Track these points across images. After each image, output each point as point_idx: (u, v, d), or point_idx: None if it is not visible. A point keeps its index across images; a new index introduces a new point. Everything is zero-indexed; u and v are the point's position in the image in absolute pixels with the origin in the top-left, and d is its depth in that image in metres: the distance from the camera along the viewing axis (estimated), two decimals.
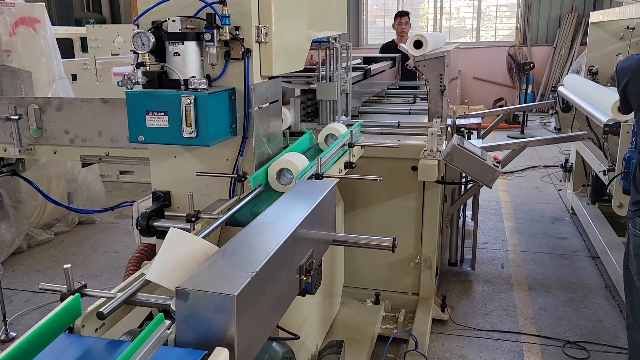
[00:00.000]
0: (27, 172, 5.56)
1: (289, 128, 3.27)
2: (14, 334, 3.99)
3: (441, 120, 4.01)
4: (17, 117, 3.16)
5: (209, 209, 2.10)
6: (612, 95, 4.17)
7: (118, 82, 2.12)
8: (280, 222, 1.69)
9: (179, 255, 1.41)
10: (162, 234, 2.43)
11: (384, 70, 5.65)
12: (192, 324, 1.21)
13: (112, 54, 8.90)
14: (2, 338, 3.93)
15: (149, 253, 2.93)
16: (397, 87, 6.40)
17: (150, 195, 2.56)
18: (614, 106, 3.94)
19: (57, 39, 6.25)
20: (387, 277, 4.14)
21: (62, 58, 6.37)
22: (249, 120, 2.36)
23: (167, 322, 1.18)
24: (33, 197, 5.78)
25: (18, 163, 3.88)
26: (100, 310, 1.27)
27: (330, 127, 2.99)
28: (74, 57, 9.58)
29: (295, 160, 2.27)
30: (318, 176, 2.25)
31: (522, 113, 11.35)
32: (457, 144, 3.35)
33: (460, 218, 4.97)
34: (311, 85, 3.47)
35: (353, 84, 4.05)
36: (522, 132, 11.18)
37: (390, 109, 5.08)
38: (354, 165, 2.84)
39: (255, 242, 1.50)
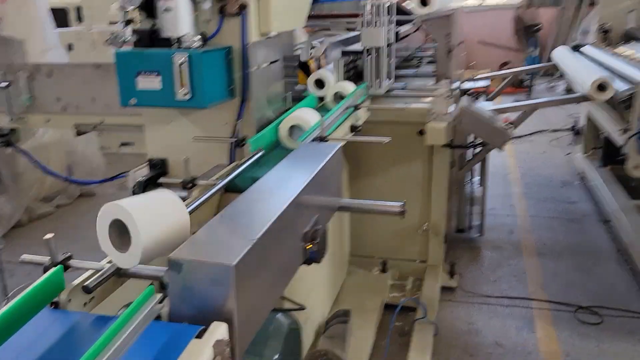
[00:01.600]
0: (25, 144, 5.47)
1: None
2: None
3: (450, 82, 3.86)
4: (6, 83, 3.02)
5: (206, 175, 1.98)
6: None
7: (106, 41, 1.98)
8: (281, 187, 1.57)
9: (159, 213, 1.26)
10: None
11: (409, 34, 5.42)
12: (187, 297, 1.10)
13: (110, 23, 8.68)
14: None
15: None
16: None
17: (147, 163, 2.44)
18: (593, 85, 3.73)
19: (51, 8, 6.06)
20: (394, 245, 4.04)
21: (57, 28, 6.19)
22: (247, 82, 2.23)
23: (159, 295, 1.07)
24: (32, 169, 5.67)
25: (12, 133, 3.75)
26: (86, 283, 1.16)
27: (296, 116, 2.69)
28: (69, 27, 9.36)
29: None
30: (322, 139, 2.12)
31: (529, 77, 11.11)
32: (466, 106, 3.20)
33: (468, 184, 4.85)
34: (350, 47, 3.30)
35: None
36: (528, 96, 10.95)
37: (398, 72, 4.90)
38: (359, 128, 2.71)
39: (255, 208, 1.38)
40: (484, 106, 3.75)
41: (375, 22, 3.07)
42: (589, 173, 5.89)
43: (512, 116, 4.37)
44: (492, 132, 3.19)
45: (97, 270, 1.25)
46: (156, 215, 1.21)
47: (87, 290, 1.18)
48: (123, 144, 7.85)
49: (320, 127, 2.13)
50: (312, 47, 3.31)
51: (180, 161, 2.41)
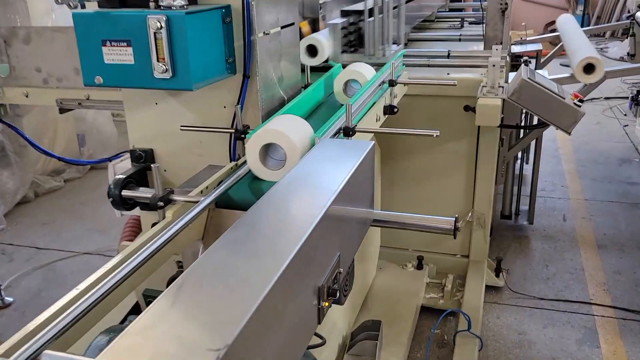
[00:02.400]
0: (30, 113, 5.07)
1: (326, 61, 2.56)
2: (11, 300, 3.58)
3: (503, 47, 3.23)
4: None
5: (191, 183, 1.48)
6: None
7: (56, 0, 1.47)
8: (287, 217, 1.06)
9: None
10: (144, 205, 1.85)
11: None
12: None
13: None
14: None
15: (139, 227, 2.38)
16: (447, 9, 5.52)
17: (128, 154, 1.95)
18: (578, 66, 3.10)
19: None
20: (431, 236, 3.50)
21: None
22: (251, 53, 1.69)
23: None
24: (38, 141, 5.28)
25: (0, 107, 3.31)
26: None
27: (353, 71, 2.19)
28: None
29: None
30: (348, 131, 1.59)
31: None
32: (527, 78, 2.61)
33: (515, 162, 4.25)
34: (351, 6, 2.72)
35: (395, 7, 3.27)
36: None
37: (437, 35, 4.26)
38: (396, 109, 2.15)
39: (236, 267, 0.87)
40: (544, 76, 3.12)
41: None
42: None
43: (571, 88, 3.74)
44: (560, 110, 2.60)
45: None
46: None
47: None
48: None
49: (345, 115, 1.59)
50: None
51: (170, 152, 1.94)
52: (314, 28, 2.71)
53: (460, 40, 3.95)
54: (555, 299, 3.39)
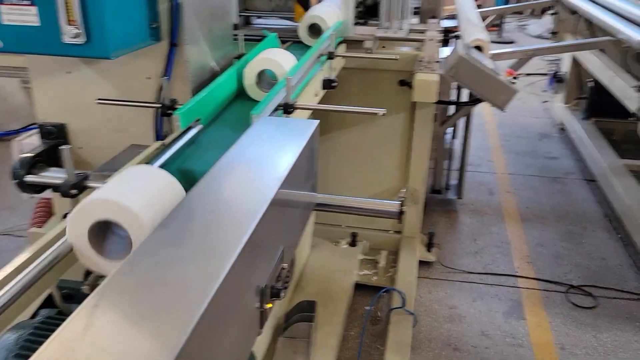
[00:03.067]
0: None
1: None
2: None
3: (438, 22, 3.19)
4: None
5: (112, 165, 1.30)
6: None
7: None
8: (227, 206, 0.93)
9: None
10: (54, 189, 1.64)
11: None
12: None
13: None
14: None
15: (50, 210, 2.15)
16: None
17: (36, 130, 1.73)
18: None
19: None
20: None
21: None
22: (178, 17, 1.51)
23: None
24: None
25: None
26: None
27: (268, 59, 1.89)
28: None
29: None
30: (288, 107, 1.46)
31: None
32: (464, 54, 2.56)
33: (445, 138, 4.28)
34: None
35: None
36: (499, 35, 10.36)
37: None
38: (335, 84, 2.04)
39: (170, 275, 0.73)
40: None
41: None
42: (570, 125, 5.43)
43: (505, 64, 3.77)
44: (495, 87, 2.58)
45: None
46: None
47: None
48: None
49: (285, 89, 1.46)
50: None
51: (86, 128, 1.73)
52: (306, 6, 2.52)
53: None
54: (483, 273, 3.46)
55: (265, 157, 1.09)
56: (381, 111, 1.60)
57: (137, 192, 0.86)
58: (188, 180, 1.26)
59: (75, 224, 0.87)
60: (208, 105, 1.47)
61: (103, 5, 1.27)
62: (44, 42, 1.32)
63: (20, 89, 5.76)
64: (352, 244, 3.40)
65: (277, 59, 1.64)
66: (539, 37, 10.35)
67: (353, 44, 2.64)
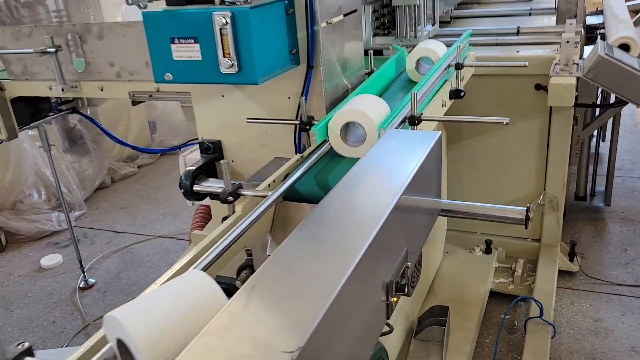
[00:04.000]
0: (105, 102, 5.31)
1: None
2: (93, 281, 3.80)
3: (577, 22, 3.06)
4: (54, 49, 2.69)
5: (259, 176, 1.51)
6: None
7: (126, 0, 1.52)
8: (354, 213, 1.06)
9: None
10: (214, 197, 1.90)
11: None
12: None
13: None
14: (81, 286, 3.75)
15: (210, 213, 2.45)
16: None
17: (197, 146, 2.01)
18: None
19: None
20: None
21: None
22: (314, 43, 1.69)
23: None
24: (112, 129, 5.53)
25: (77, 100, 3.49)
26: None
27: (424, 48, 2.19)
28: None
29: (366, 107, 1.55)
30: (414, 120, 1.56)
31: None
32: (605, 54, 2.46)
33: (591, 141, 4.04)
34: None
35: None
36: None
37: (488, 10, 4.08)
38: (463, 93, 2.09)
39: (306, 269, 0.89)
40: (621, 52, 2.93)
41: None
42: None
43: None
44: (639, 88, 2.44)
45: None
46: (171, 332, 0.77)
47: None
48: None
49: (410, 104, 1.57)
50: None
51: (236, 143, 1.98)
52: None
53: (530, 14, 3.77)
54: (634, 285, 3.23)
55: (390, 167, 1.21)
56: (505, 120, 1.64)
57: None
58: (322, 187, 1.42)
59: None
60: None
61: (252, 41, 1.48)
62: (205, 73, 1.57)
63: (179, 108, 6.49)
64: (487, 251, 3.37)
65: (432, 47, 2.10)
66: None
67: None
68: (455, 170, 3.37)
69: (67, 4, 5.11)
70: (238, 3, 1.49)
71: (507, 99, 3.15)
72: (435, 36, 2.87)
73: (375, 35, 2.63)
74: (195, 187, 1.63)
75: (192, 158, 2.06)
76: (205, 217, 2.69)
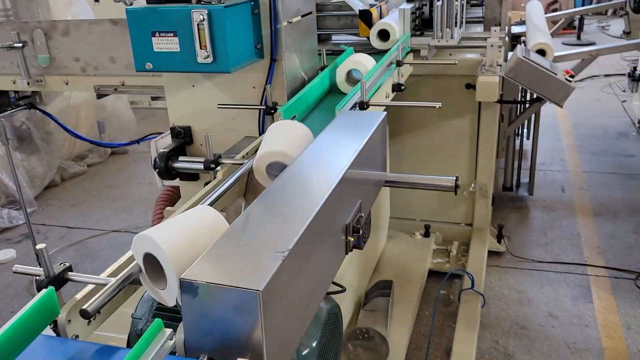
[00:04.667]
0: (53, 102, 5.34)
1: (337, 45, 2.83)
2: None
3: (501, 29, 3.47)
4: (20, 44, 2.82)
5: (233, 150, 1.76)
6: None
7: None
8: (319, 170, 1.33)
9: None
10: (184, 175, 2.13)
11: None
12: (206, 327, 0.89)
13: None
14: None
15: (174, 197, 2.65)
16: None
17: (168, 132, 2.22)
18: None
19: None
20: (437, 207, 3.79)
21: None
22: (277, 39, 1.95)
23: (168, 331, 0.86)
24: (61, 128, 5.57)
25: (35, 95, 3.59)
26: (85, 306, 0.97)
27: (353, 61, 2.43)
28: None
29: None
30: (363, 105, 1.85)
31: (578, 16, 10.33)
32: (522, 56, 2.85)
33: (516, 137, 4.50)
34: None
35: None
36: (578, 37, 10.25)
37: None
38: (403, 87, 2.41)
39: (286, 203, 1.15)
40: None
41: None
42: None
43: (568, 65, 3.97)
44: (553, 85, 2.84)
45: (101, 286, 1.05)
46: (191, 244, 1.02)
47: (85, 315, 0.98)
48: (154, 99, 7.68)
49: (360, 91, 1.86)
50: None
51: (205, 128, 2.21)
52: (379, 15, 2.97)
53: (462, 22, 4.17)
54: (552, 262, 3.66)
55: (345, 138, 1.49)
56: (437, 104, 1.95)
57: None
58: None
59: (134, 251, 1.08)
60: (302, 105, 1.90)
61: (225, 35, 1.73)
62: (183, 62, 1.79)
63: (128, 108, 6.56)
64: (426, 235, 3.72)
65: (361, 60, 2.22)
66: (621, 36, 10.13)
67: (416, 53, 3.01)
68: (397, 161, 3.71)
69: (15, 3, 5.13)
70: (213, 2, 1.73)
71: (443, 97, 3.46)
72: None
73: (412, 35, 2.90)
74: (177, 164, 1.85)
75: (163, 142, 2.27)
76: (168, 201, 2.88)
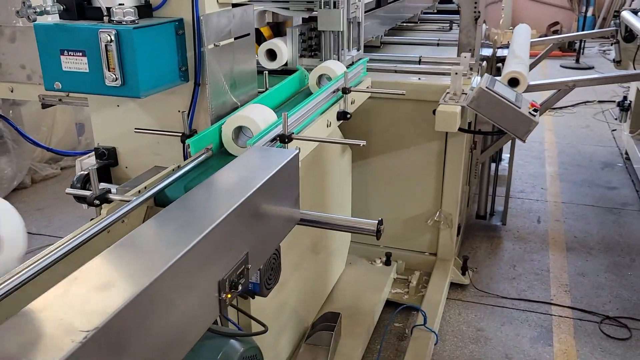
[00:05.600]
0: (30, 102, 5.24)
1: (285, 65, 2.72)
2: None
3: (472, 55, 3.35)
4: None
5: (135, 182, 1.63)
6: None
7: (17, 12, 1.62)
8: (194, 215, 1.21)
9: None
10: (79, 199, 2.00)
11: None
12: None
13: None
14: None
15: None
16: (435, 11, 5.58)
17: (93, 152, 2.11)
18: (503, 79, 3.20)
19: None
20: (401, 234, 3.66)
21: None
22: (201, 62, 1.84)
23: None
24: (36, 129, 5.48)
25: None
26: None
27: (324, 67, 2.43)
28: None
29: (256, 115, 1.75)
30: (284, 138, 1.73)
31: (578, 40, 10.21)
32: (485, 87, 2.73)
33: (493, 163, 4.37)
34: (313, 13, 2.85)
35: (369, 10, 3.39)
36: (577, 61, 10.13)
37: (416, 38, 4.37)
38: (349, 115, 2.29)
39: (135, 259, 1.03)
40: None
41: (335, 3, 2.59)
42: (634, 155, 5.30)
43: (544, 95, 3.85)
44: (514, 119, 2.72)
45: None
46: None
47: None
48: None
49: (282, 124, 1.74)
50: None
51: (130, 150, 2.09)
52: (277, 32, 2.86)
53: (438, 45, 4.06)
54: (517, 298, 3.52)
55: (242, 177, 1.37)
56: (361, 142, 1.83)
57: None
58: None
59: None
60: (217, 136, 1.78)
61: (135, 58, 1.61)
62: (92, 84, 1.68)
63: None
64: (387, 263, 3.59)
65: (252, 116, 1.79)
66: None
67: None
68: (361, 186, 3.58)
69: None
70: (124, 22, 1.62)
71: (410, 121, 3.40)
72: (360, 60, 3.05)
73: (301, 56, 2.79)
74: (67, 190, 1.74)
75: (88, 162, 2.15)
76: None
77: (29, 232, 4.02)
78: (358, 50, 3.03)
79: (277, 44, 2.52)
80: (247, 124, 1.73)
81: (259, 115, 1.75)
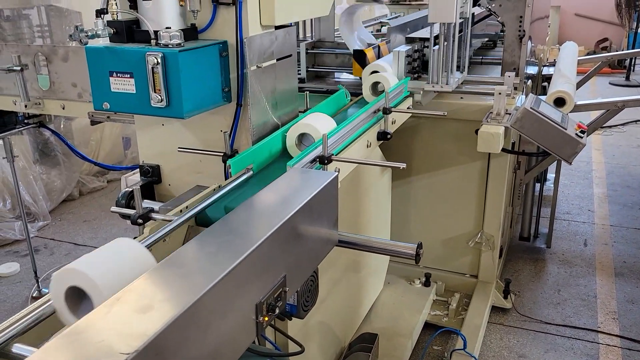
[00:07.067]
0: (77, 119, 5.44)
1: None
2: (47, 291, 3.88)
3: (517, 74, 3.29)
4: (19, 68, 2.85)
5: (176, 201, 1.67)
6: None
7: (69, 36, 1.69)
8: (238, 233, 1.22)
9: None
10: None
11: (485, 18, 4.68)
12: None
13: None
14: (34, 295, 3.84)
15: None
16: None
17: (137, 169, 2.16)
18: (549, 98, 3.08)
19: None
20: (441, 254, 3.60)
21: None
22: (243, 84, 1.87)
23: None
24: (85, 143, 5.67)
25: (43, 114, 3.63)
26: None
27: (378, 75, 2.47)
28: None
29: (317, 123, 1.88)
30: (323, 159, 1.74)
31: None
32: (530, 108, 2.67)
33: (537, 183, 4.26)
34: (421, 12, 2.85)
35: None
36: (627, 78, 9.82)
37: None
38: (389, 136, 2.28)
39: (176, 279, 1.04)
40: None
41: None
42: None
43: (591, 115, 3.74)
44: (560, 140, 2.65)
45: None
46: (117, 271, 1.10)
47: None
48: None
49: (322, 145, 1.74)
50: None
51: (174, 168, 2.14)
52: (379, 54, 2.89)
53: (481, 63, 4.01)
54: (562, 324, 3.40)
55: (280, 201, 1.38)
56: (401, 165, 1.82)
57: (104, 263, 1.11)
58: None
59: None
60: (259, 156, 1.80)
61: (180, 80, 1.65)
62: (138, 105, 1.73)
63: None
64: (426, 284, 3.53)
65: (316, 124, 1.93)
66: None
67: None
68: (401, 206, 3.55)
69: (49, 20, 5.28)
70: (170, 45, 1.67)
71: (452, 140, 3.36)
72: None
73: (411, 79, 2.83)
74: (112, 208, 1.78)
75: (133, 179, 2.21)
76: None
77: (75, 243, 4.15)
78: (461, 72, 3.00)
79: (381, 65, 2.58)
80: (310, 131, 1.82)
81: (320, 124, 1.82)
